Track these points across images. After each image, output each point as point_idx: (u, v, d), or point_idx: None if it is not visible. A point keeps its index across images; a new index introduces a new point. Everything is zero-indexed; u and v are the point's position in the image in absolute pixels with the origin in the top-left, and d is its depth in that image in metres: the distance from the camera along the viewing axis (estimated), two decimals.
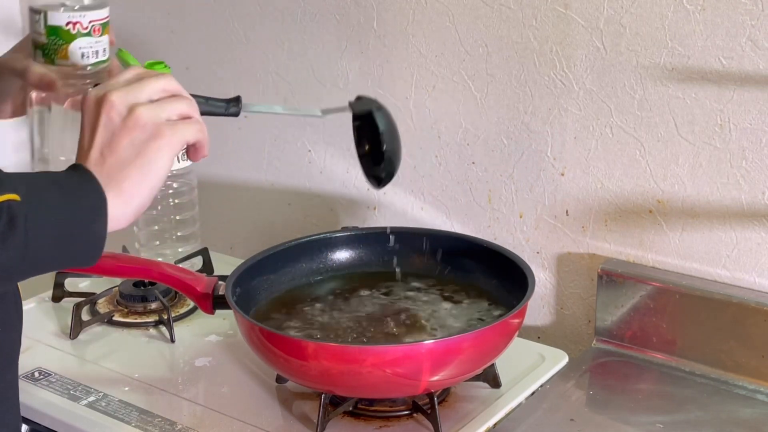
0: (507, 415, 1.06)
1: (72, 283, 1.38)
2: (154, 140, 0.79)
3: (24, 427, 1.10)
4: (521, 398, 1.09)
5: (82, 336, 1.25)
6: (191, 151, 0.84)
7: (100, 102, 0.79)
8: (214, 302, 1.14)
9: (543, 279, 1.29)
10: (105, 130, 0.79)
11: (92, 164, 0.78)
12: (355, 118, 1.01)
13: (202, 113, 0.85)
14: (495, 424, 1.05)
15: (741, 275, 1.13)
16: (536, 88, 1.22)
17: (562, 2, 1.16)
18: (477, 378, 1.09)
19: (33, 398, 1.11)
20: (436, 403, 1.01)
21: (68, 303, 1.31)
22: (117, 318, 1.30)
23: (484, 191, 1.31)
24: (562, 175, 1.23)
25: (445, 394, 1.08)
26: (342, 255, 1.25)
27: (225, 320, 1.27)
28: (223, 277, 1.14)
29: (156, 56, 1.59)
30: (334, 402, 1.04)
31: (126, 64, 1.23)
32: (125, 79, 0.82)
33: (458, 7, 1.25)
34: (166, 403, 1.10)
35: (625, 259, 1.21)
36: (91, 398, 1.11)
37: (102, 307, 1.33)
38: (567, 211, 1.24)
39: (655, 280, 1.16)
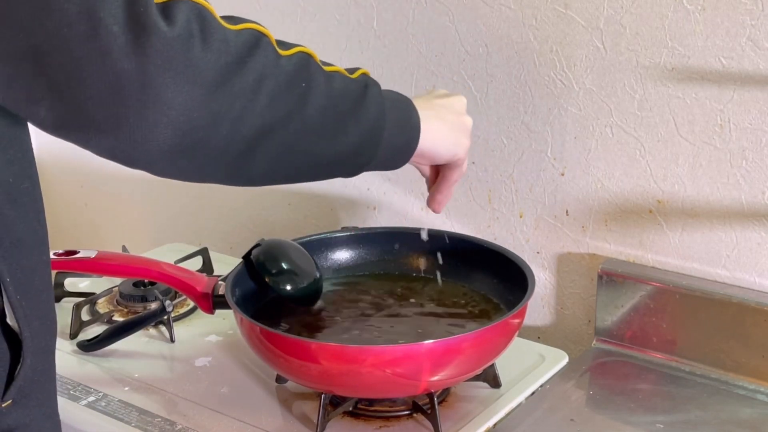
0: (507, 415, 1.06)
1: (72, 283, 1.39)
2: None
3: None
4: (521, 398, 1.09)
5: (81, 336, 1.25)
6: None
7: None
8: (214, 302, 1.14)
9: (543, 279, 1.29)
10: None
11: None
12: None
13: None
14: (495, 424, 1.05)
15: (741, 275, 1.13)
16: (536, 88, 1.22)
17: (562, 2, 1.16)
18: (477, 378, 1.09)
19: None
20: (436, 403, 1.01)
21: (68, 303, 1.31)
22: (117, 318, 1.30)
23: (484, 191, 1.31)
24: (562, 175, 1.23)
25: (445, 394, 1.08)
26: (342, 255, 1.25)
27: (225, 320, 1.27)
28: (223, 278, 1.14)
29: None
30: (334, 402, 1.04)
31: None
32: None
33: (458, 7, 1.25)
34: (166, 403, 1.10)
35: (625, 259, 1.21)
36: (91, 398, 1.11)
37: (102, 307, 1.33)
38: (567, 211, 1.24)
39: (655, 280, 1.16)
